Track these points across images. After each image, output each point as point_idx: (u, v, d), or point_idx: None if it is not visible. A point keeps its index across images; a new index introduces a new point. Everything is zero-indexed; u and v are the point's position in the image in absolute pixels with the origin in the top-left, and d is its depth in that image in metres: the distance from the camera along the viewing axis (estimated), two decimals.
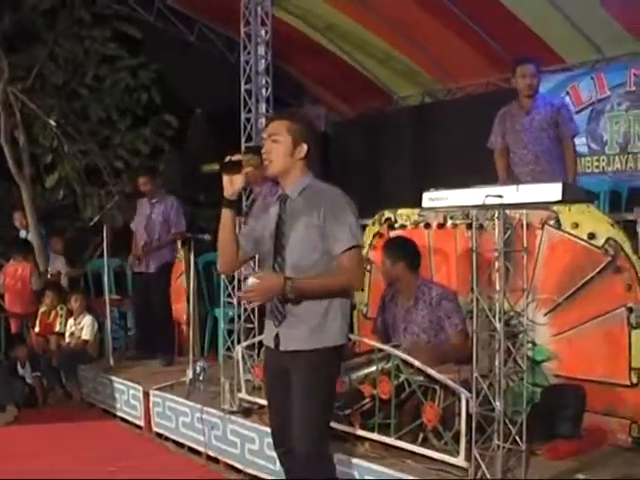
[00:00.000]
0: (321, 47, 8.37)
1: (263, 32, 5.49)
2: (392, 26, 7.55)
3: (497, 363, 3.03)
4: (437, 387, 3.32)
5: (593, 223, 3.58)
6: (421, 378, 3.38)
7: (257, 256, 3.04)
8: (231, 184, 2.78)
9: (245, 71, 5.47)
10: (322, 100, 9.76)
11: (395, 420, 3.43)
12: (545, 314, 3.75)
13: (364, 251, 4.54)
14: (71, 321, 6.45)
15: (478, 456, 3.02)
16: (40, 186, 8.52)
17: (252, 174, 3.68)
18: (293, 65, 8.90)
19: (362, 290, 4.71)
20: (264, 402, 3.57)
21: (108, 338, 6.20)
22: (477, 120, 5.72)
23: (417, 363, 3.36)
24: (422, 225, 4.34)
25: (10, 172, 7.84)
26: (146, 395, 5.18)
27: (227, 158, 2.79)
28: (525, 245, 3.18)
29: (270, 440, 3.03)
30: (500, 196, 2.97)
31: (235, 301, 4.77)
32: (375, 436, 3.52)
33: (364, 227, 4.47)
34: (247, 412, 4.29)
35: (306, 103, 9.69)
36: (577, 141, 5.19)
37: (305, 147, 2.78)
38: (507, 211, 3.09)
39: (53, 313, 6.59)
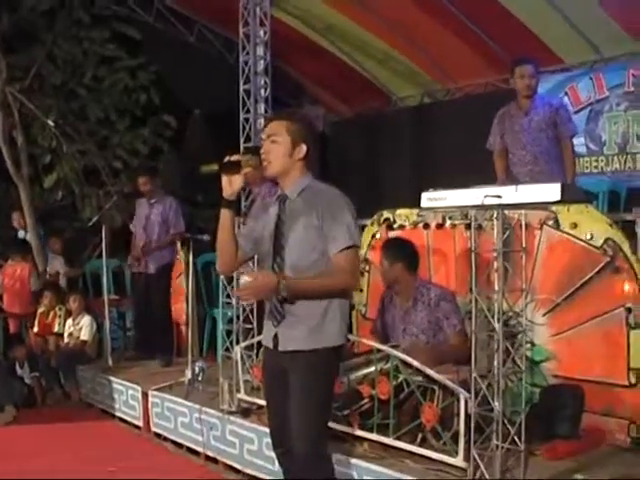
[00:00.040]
0: (320, 47, 8.35)
1: (262, 32, 5.49)
2: (391, 26, 7.54)
3: (496, 363, 3.03)
4: (436, 387, 3.32)
5: (592, 223, 3.58)
6: (420, 378, 3.38)
7: (256, 256, 3.04)
8: (230, 184, 2.78)
9: (244, 71, 5.46)
10: (321, 100, 9.75)
11: (394, 420, 3.43)
12: (544, 314, 3.75)
13: (362, 252, 4.55)
14: (70, 321, 6.44)
15: (477, 456, 3.03)
16: (39, 186, 8.50)
17: (251, 174, 3.67)
18: (292, 65, 8.90)
19: (361, 291, 4.71)
20: (263, 402, 3.56)
21: (107, 338, 6.19)
22: (476, 120, 5.71)
23: (416, 363, 3.36)
24: (421, 225, 4.32)
25: (8, 172, 7.82)
26: (145, 395, 5.17)
27: (226, 158, 2.78)
28: (524, 245, 3.19)
29: (269, 440, 3.03)
30: (499, 196, 2.98)
31: (234, 302, 4.77)
32: (374, 436, 3.52)
33: (363, 227, 4.47)
34: (246, 412, 4.29)
35: (305, 103, 9.68)
36: (576, 141, 5.20)
37: (304, 147, 2.77)
38: (506, 211, 3.09)
39: (52, 313, 6.58)
